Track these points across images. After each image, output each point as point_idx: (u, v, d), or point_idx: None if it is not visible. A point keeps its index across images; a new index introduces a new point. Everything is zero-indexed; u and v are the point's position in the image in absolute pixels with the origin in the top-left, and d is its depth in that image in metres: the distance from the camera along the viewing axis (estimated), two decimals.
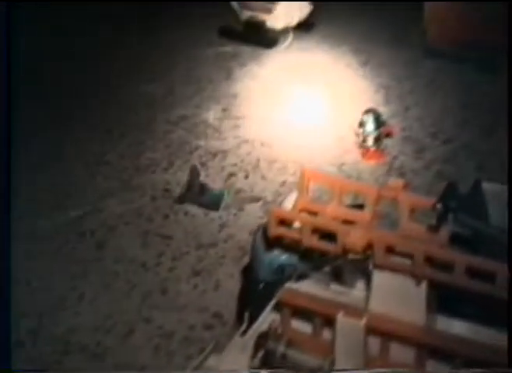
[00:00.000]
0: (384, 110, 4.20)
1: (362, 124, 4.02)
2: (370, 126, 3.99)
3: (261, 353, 2.22)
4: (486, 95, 4.50)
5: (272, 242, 2.43)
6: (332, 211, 2.32)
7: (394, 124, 4.17)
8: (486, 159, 3.93)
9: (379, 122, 4.02)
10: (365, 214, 2.30)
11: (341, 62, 4.91)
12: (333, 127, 4.22)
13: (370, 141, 4.00)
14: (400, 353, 2.28)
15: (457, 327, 2.31)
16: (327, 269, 2.52)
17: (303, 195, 2.40)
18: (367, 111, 4.06)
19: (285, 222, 2.32)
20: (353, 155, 4.00)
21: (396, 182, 2.34)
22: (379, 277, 2.23)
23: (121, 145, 4.16)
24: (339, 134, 4.18)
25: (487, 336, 2.25)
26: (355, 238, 2.15)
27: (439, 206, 2.12)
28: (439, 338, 2.24)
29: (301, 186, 2.41)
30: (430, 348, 2.25)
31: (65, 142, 4.19)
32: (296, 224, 2.33)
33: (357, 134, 4.04)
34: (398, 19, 5.12)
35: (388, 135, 4.09)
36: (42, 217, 3.60)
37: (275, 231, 2.31)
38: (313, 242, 2.26)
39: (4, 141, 2.09)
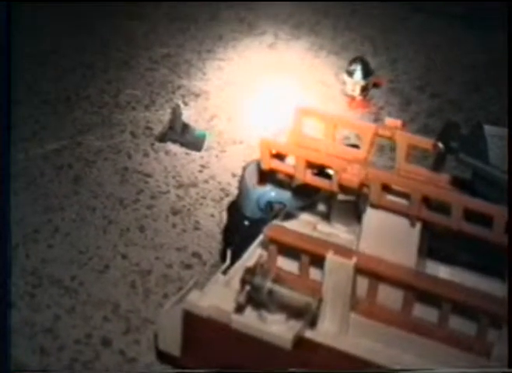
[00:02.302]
0: (371, 61, 4.12)
1: (349, 72, 3.95)
2: (358, 74, 3.91)
3: (247, 289, 2.16)
4: (474, 53, 4.45)
5: (263, 177, 2.36)
6: (327, 148, 2.26)
7: (382, 75, 4.10)
8: (472, 114, 3.89)
9: (367, 71, 3.95)
10: (361, 152, 2.23)
11: (328, 12, 4.82)
12: (318, 74, 4.14)
13: (357, 90, 3.93)
14: (388, 295, 2.24)
15: (448, 273, 2.28)
16: (315, 209, 2.47)
17: (297, 131, 2.33)
18: (355, 59, 3.99)
19: (278, 156, 2.25)
20: (338, 104, 3.93)
21: (394, 121, 2.28)
22: (372, 217, 2.18)
23: (102, 81, 4.04)
24: (324, 81, 4.10)
25: (479, 283, 2.22)
26: (351, 174, 2.09)
27: (440, 145, 2.05)
28: (428, 282, 2.20)
29: (295, 122, 2.33)
30: (418, 292, 2.20)
31: (43, 75, 4.06)
32: (289, 160, 2.26)
33: (344, 82, 3.97)
34: None
35: (376, 85, 4.02)
36: (17, 149, 3.49)
37: (267, 164, 2.23)
38: (307, 177, 2.19)
39: None
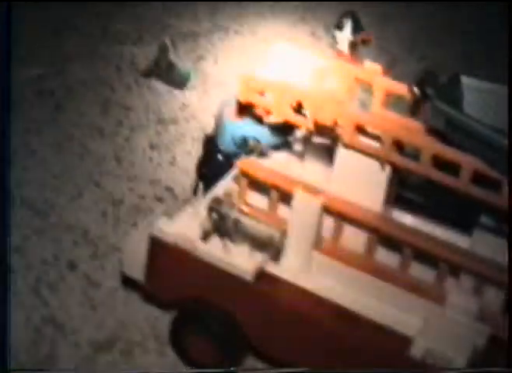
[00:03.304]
0: (361, 18, 4.09)
1: (339, 27, 3.92)
2: (347, 29, 3.89)
3: (213, 217, 2.18)
4: (468, 21, 4.45)
5: (240, 112, 2.37)
6: (306, 87, 2.27)
7: (371, 32, 4.08)
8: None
9: (357, 27, 3.92)
10: (339, 93, 2.25)
11: None
12: (308, 26, 4.14)
13: (345, 45, 3.91)
14: (352, 236, 2.27)
15: (413, 221, 2.31)
16: (288, 149, 2.48)
17: (276, 70, 2.34)
18: (346, 14, 3.96)
19: (257, 92, 2.27)
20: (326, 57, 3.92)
21: (373, 66, 2.29)
22: (343, 157, 2.20)
23: (91, 13, 4.01)
24: (314, 33, 4.10)
25: (442, 233, 2.25)
26: (326, 112, 2.11)
27: (416, 90, 2.07)
28: (392, 226, 2.24)
29: (273, 61, 2.34)
30: (383, 236, 2.23)
31: (33, 3, 4.02)
32: (267, 96, 2.27)
33: (333, 36, 3.95)
34: None
35: (364, 42, 4.00)
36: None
37: (245, 97, 2.25)
38: (284, 113, 2.21)
39: None
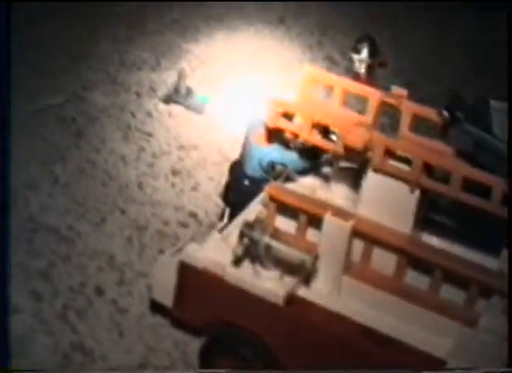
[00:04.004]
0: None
1: (356, 50, 3.95)
2: (365, 52, 3.92)
3: (244, 242, 2.20)
4: (482, 38, 4.48)
5: (268, 137, 2.39)
6: (335, 111, 2.29)
7: (388, 56, 4.11)
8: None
9: (373, 50, 3.95)
10: (367, 117, 2.27)
11: None
12: (325, 50, 4.17)
13: (363, 68, 3.94)
14: (382, 259, 2.28)
15: (443, 243, 2.32)
16: (315, 173, 2.50)
17: (305, 93, 2.36)
18: (363, 37, 3.98)
19: (285, 116, 2.29)
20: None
21: (400, 90, 2.31)
22: (373, 181, 2.22)
23: (110, 40, 4.05)
24: (331, 57, 4.13)
25: (472, 255, 2.26)
26: (356, 136, 2.13)
27: (445, 114, 2.09)
28: (422, 249, 2.25)
29: (303, 84, 2.37)
30: (412, 258, 2.24)
31: (51, 29, 4.06)
32: (296, 120, 2.30)
33: (350, 60, 3.97)
34: None
35: (381, 65, 4.03)
36: (23, 100, 3.50)
37: (274, 122, 2.27)
38: (313, 138, 2.23)
39: None
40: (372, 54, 3.86)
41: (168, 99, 3.65)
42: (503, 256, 2.25)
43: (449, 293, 2.25)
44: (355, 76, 3.92)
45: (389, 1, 4.72)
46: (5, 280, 2.08)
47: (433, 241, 2.32)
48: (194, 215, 3.08)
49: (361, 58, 3.84)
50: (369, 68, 3.91)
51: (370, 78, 3.95)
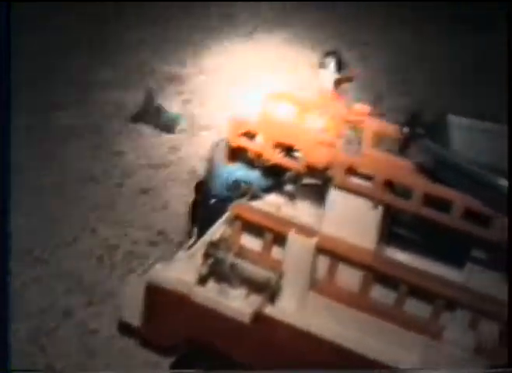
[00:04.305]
0: (345, 56, 4.16)
1: (323, 65, 3.97)
2: (331, 67, 3.94)
3: (209, 262, 2.20)
4: (445, 53, 4.53)
5: (231, 156, 2.40)
6: (296, 129, 2.31)
7: (355, 70, 4.15)
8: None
9: (340, 65, 3.98)
10: (329, 135, 2.29)
11: (304, 10, 4.88)
12: (292, 66, 4.20)
13: (330, 83, 3.96)
14: (347, 275, 2.29)
15: (407, 258, 2.33)
16: (280, 191, 2.51)
17: (267, 112, 2.37)
18: (329, 53, 4.01)
19: (247, 136, 2.30)
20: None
21: (362, 106, 2.33)
22: (336, 198, 2.23)
23: (79, 59, 4.06)
24: (298, 73, 4.16)
25: (436, 268, 2.28)
26: (318, 154, 2.15)
27: (405, 130, 2.12)
28: (386, 264, 2.26)
29: (265, 104, 2.38)
30: (377, 274, 2.26)
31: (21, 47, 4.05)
32: (258, 139, 2.31)
33: (317, 75, 4.00)
34: None
35: (348, 80, 4.06)
36: None
37: (236, 142, 2.28)
38: (275, 156, 2.24)
39: None
40: (338, 68, 3.89)
41: (137, 118, 3.66)
42: (466, 269, 2.28)
43: (414, 307, 2.27)
44: (323, 91, 3.95)
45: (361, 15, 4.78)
46: (5, 282, 2.09)
47: (398, 255, 2.33)
48: (163, 234, 3.09)
49: (327, 73, 3.87)
50: (337, 83, 3.94)
51: (338, 93, 3.98)
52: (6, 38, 2.11)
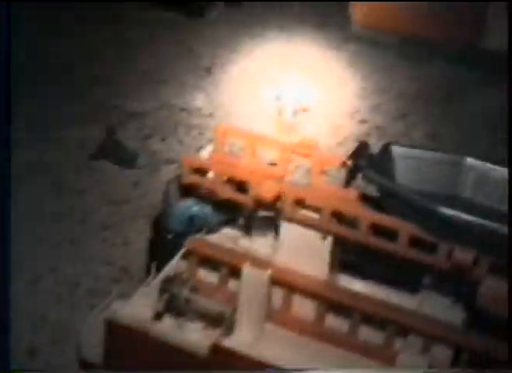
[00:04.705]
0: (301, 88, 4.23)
1: (278, 98, 4.03)
2: (288, 99, 4.01)
3: (165, 297, 2.25)
4: (403, 81, 4.62)
5: (185, 192, 2.46)
6: (246, 164, 2.37)
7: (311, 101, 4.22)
8: (396, 139, 4.03)
9: (296, 97, 4.05)
10: (277, 169, 2.35)
11: (268, 37, 4.96)
12: (249, 98, 4.26)
13: (288, 114, 4.03)
14: (302, 305, 2.35)
15: (360, 285, 2.39)
16: (236, 224, 2.56)
17: (218, 148, 2.43)
18: (285, 85, 4.09)
19: (199, 172, 2.36)
20: (269, 128, 4.04)
21: (309, 139, 2.40)
22: (286, 230, 2.29)
23: (38, 96, 4.09)
24: (255, 105, 4.22)
25: (388, 294, 2.34)
26: (266, 188, 2.21)
27: (349, 163, 2.18)
28: (339, 293, 2.32)
29: (216, 140, 2.44)
30: (330, 302, 2.31)
31: None
32: (210, 175, 2.37)
33: (274, 107, 4.06)
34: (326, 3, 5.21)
35: (305, 110, 4.13)
36: None
37: (188, 179, 2.34)
38: (226, 192, 2.30)
39: None
40: (294, 100, 3.96)
41: (98, 155, 3.70)
42: (419, 296, 2.34)
43: (368, 333, 2.32)
44: (280, 123, 4.02)
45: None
46: (5, 287, 2.11)
47: (351, 284, 2.39)
48: (125, 270, 3.12)
49: (284, 105, 3.94)
50: (294, 114, 4.01)
51: (295, 124, 4.05)
52: (6, 38, 2.14)
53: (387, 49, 4.95)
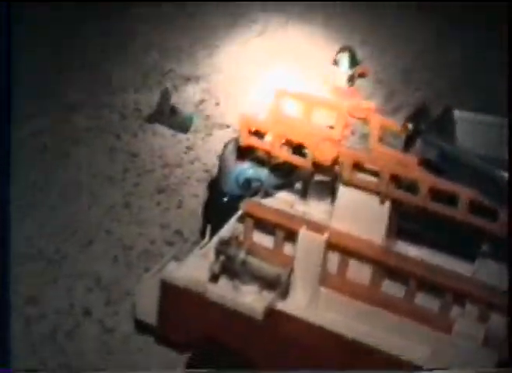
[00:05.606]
0: (358, 52, 4.18)
1: (336, 62, 3.99)
2: (344, 64, 3.96)
3: (221, 259, 2.25)
4: (461, 50, 4.54)
5: (242, 155, 2.44)
6: (304, 127, 2.34)
7: (368, 66, 4.17)
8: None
9: (353, 61, 3.99)
10: (335, 132, 2.31)
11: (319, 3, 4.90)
12: (306, 62, 4.22)
13: (343, 79, 3.98)
14: (357, 270, 2.33)
15: (416, 252, 2.36)
16: (292, 188, 2.55)
17: (275, 110, 2.40)
18: (342, 49, 4.03)
19: (257, 135, 2.34)
20: (324, 93, 3.99)
21: (367, 103, 2.36)
22: (344, 194, 2.27)
23: (93, 62, 4.11)
24: (312, 69, 4.18)
25: (445, 262, 2.30)
26: (324, 151, 2.18)
27: (409, 126, 2.14)
28: (396, 258, 2.29)
29: (273, 102, 2.41)
30: (387, 268, 2.29)
31: (35, 47, 4.10)
32: (268, 138, 2.35)
33: (330, 72, 4.02)
34: None
35: (361, 75, 4.08)
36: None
37: (246, 140, 2.32)
38: (283, 154, 2.28)
39: None
40: (351, 65, 3.92)
41: (152, 119, 3.71)
42: (476, 263, 2.30)
43: (424, 300, 2.29)
44: (336, 88, 3.97)
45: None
46: (5, 286, 2.14)
47: (407, 250, 2.36)
48: (179, 233, 3.13)
49: (341, 70, 3.90)
50: (350, 79, 3.96)
51: (351, 89, 4.01)
52: (6, 38, 2.15)
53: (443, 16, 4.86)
